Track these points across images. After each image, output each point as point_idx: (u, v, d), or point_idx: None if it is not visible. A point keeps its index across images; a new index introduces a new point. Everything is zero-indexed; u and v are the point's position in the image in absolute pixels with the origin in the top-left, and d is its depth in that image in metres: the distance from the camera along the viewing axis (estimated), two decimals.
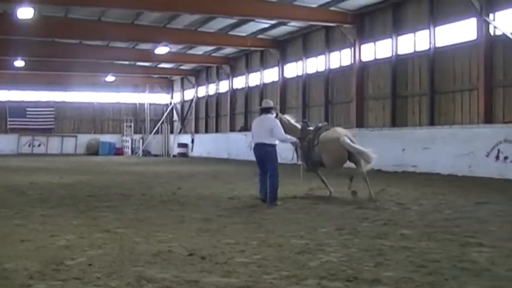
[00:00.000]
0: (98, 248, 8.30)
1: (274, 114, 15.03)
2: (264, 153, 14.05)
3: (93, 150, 56.92)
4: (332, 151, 14.93)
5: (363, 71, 30.85)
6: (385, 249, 8.13)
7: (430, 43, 26.31)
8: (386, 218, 11.28)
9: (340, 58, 33.09)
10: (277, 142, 14.21)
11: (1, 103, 57.50)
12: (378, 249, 8.16)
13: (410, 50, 27.81)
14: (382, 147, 26.07)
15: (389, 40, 28.91)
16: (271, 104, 14.86)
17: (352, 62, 31.29)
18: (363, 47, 30.80)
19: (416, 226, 10.27)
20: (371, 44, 30.39)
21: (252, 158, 15.00)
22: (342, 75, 32.90)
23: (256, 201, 14.24)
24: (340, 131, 15.40)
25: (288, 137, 14.62)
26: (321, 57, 34.67)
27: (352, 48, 31.21)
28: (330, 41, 33.79)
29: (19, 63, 43.88)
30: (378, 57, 30.03)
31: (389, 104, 28.91)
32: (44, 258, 7.56)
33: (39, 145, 57.46)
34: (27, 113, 57.77)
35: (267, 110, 14.47)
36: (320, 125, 16.22)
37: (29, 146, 56.98)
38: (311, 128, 15.97)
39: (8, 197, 15.56)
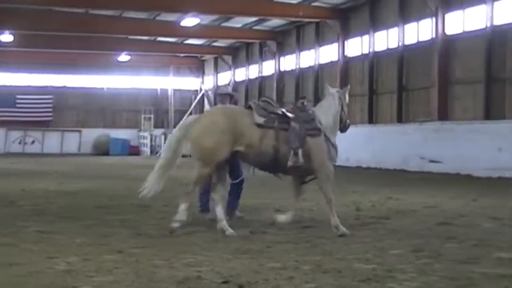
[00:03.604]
0: (108, 273, 8.36)
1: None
2: None
3: (102, 149, 57.24)
4: None
5: (447, 47, 30.60)
6: (476, 278, 8.08)
7: None
8: (478, 237, 11.20)
9: (418, 31, 32.93)
10: None
11: None
12: (466, 277, 8.11)
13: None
14: (472, 147, 26.01)
15: (482, 7, 28.59)
16: None
17: (434, 36, 31.07)
18: (447, 16, 30.57)
19: None
20: (458, 13, 30.14)
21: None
22: (421, 53, 32.68)
23: (306, 215, 14.24)
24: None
25: None
26: (393, 30, 34.56)
27: (434, 19, 30.99)
28: (404, 10, 33.66)
29: (7, 37, 43.84)
30: (466, 29, 29.74)
31: (482, 91, 28.59)
32: (39, 287, 7.66)
33: (32, 142, 58.04)
34: (17, 101, 58.13)
35: None
36: None
37: (20, 143, 57.60)
38: None
39: None
